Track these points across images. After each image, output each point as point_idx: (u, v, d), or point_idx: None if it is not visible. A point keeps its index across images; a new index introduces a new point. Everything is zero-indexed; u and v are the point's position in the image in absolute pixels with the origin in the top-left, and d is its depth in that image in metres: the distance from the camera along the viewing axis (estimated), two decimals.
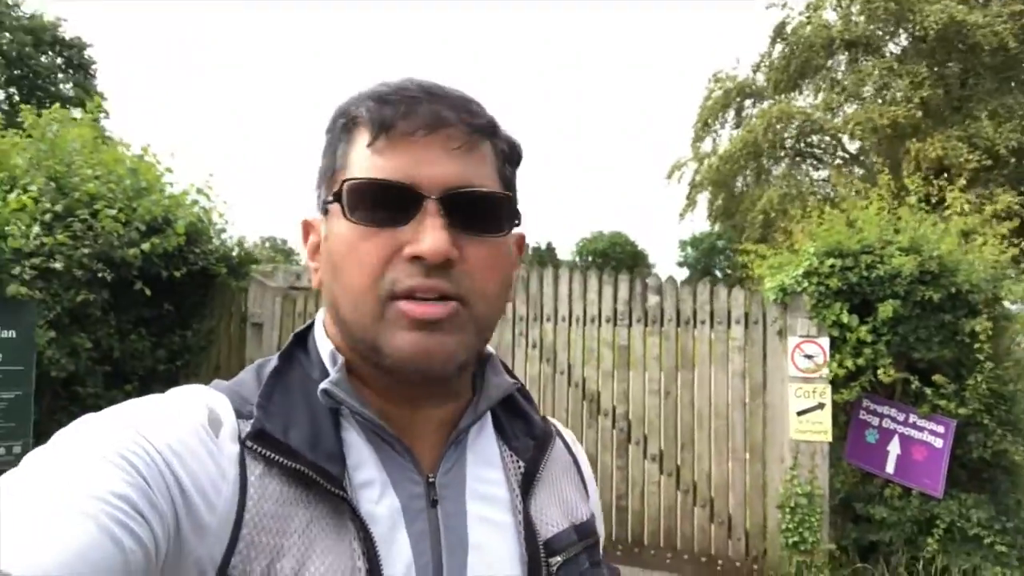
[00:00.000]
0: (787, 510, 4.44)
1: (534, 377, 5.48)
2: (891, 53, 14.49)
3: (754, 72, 16.59)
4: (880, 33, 14.28)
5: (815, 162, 16.71)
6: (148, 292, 4.98)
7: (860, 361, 4.37)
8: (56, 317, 4.60)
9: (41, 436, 4.50)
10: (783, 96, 15.54)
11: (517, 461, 0.78)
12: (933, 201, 5.65)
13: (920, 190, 5.00)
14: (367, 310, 0.66)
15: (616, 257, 49.29)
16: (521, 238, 0.82)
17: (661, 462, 5.15)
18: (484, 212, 0.68)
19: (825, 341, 4.51)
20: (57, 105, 5.68)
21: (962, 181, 6.17)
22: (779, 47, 15.71)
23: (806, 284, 4.55)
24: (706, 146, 17.10)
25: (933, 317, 4.34)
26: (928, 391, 4.30)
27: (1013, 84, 13.54)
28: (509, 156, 0.75)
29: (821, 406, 4.47)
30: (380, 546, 0.63)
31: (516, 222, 0.75)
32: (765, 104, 16.14)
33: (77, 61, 24.95)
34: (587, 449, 5.26)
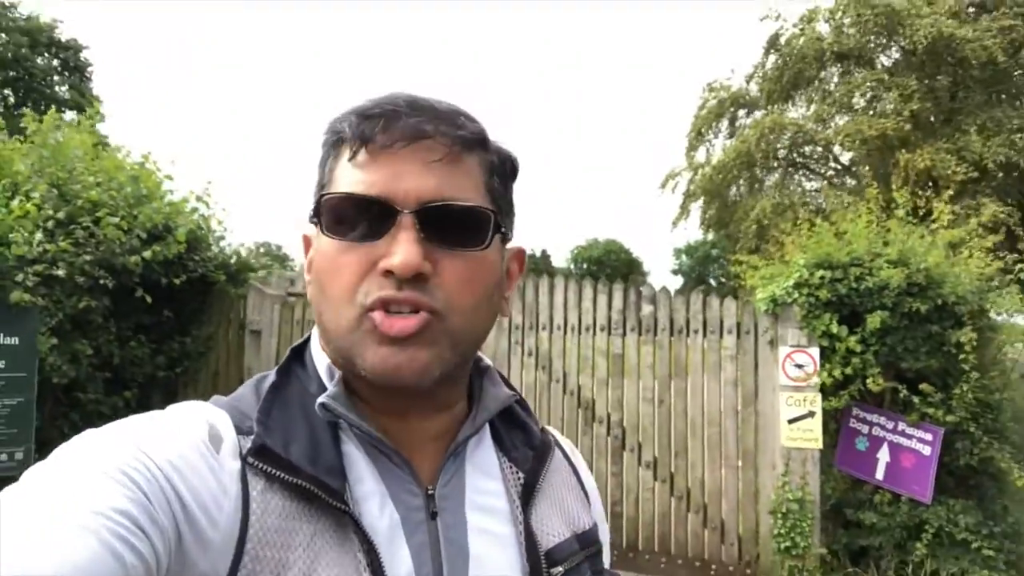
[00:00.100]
0: (779, 516, 4.51)
1: (530, 385, 5.56)
2: (882, 66, 14.66)
3: (747, 82, 16.75)
4: (872, 45, 14.44)
5: (808, 172, 16.86)
6: (148, 299, 5.03)
7: (849, 370, 4.46)
8: (58, 324, 4.64)
9: (42, 443, 4.56)
10: (776, 107, 15.69)
11: (516, 472, 0.78)
12: (921, 213, 5.76)
13: (908, 204, 5.11)
14: (345, 324, 0.66)
15: (611, 264, 49.44)
16: (520, 252, 0.82)
17: (655, 469, 5.22)
18: (461, 226, 0.68)
19: (815, 351, 4.59)
20: (53, 110, 5.73)
21: (949, 192, 6.29)
22: (772, 58, 15.86)
23: (796, 295, 4.63)
24: (700, 155, 17.24)
25: (920, 328, 4.43)
26: (916, 400, 4.39)
27: (1004, 97, 13.71)
28: (500, 169, 0.74)
29: (811, 414, 4.55)
30: (382, 558, 0.64)
31: (507, 236, 0.75)
32: (758, 114, 16.30)
33: (73, 63, 25.01)
34: (582, 456, 5.34)
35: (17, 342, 4.32)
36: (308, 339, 0.77)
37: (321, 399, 0.67)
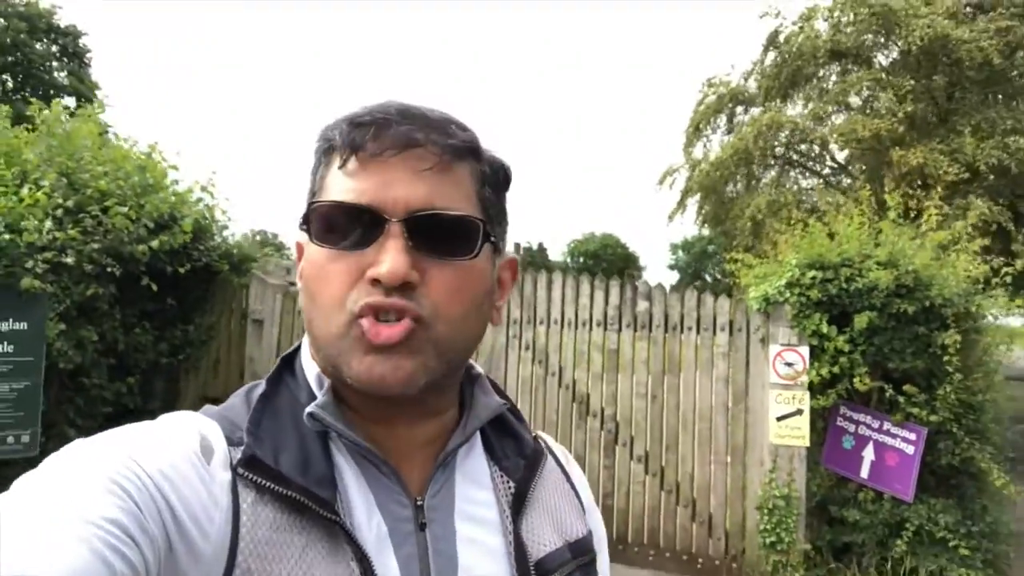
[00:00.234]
0: (765, 511, 4.62)
1: (526, 378, 5.67)
2: (880, 65, 14.72)
3: (745, 79, 16.79)
4: (869, 44, 14.49)
5: (804, 171, 16.93)
6: (155, 288, 5.12)
7: (837, 369, 4.57)
8: (66, 310, 4.73)
9: (47, 426, 4.65)
10: (774, 104, 15.75)
11: (507, 481, 0.78)
12: (912, 214, 5.85)
13: (899, 207, 5.20)
14: (333, 331, 0.66)
15: (607, 259, 49.42)
16: (512, 262, 0.81)
17: (646, 463, 5.35)
18: (451, 235, 0.68)
19: (805, 350, 4.70)
20: (60, 100, 5.80)
21: (939, 190, 6.39)
22: (771, 55, 15.90)
23: (788, 295, 4.73)
24: (697, 152, 17.29)
25: (907, 329, 4.54)
26: (901, 400, 4.50)
27: (1000, 97, 13.77)
28: (492, 178, 0.74)
29: (800, 412, 4.67)
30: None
31: (497, 245, 0.75)
32: (756, 111, 16.35)
33: (72, 49, 24.91)
34: (575, 449, 5.46)
35: (26, 327, 4.41)
36: (298, 348, 0.77)
37: (309, 409, 0.67)
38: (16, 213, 4.48)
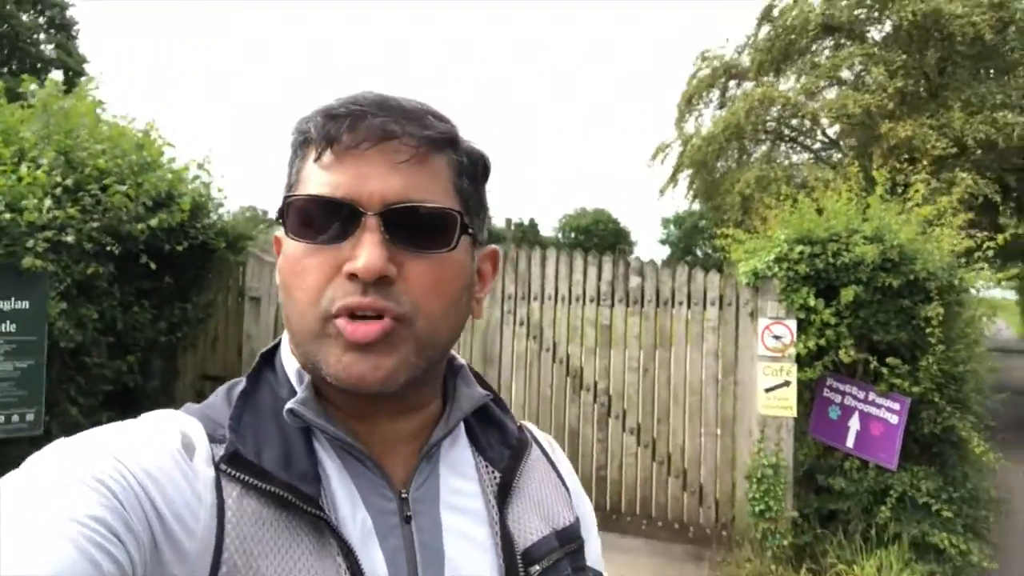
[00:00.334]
0: (754, 480, 4.74)
1: (521, 353, 5.78)
2: (873, 40, 14.70)
3: (739, 54, 16.75)
4: (863, 19, 14.47)
5: (794, 145, 16.97)
6: (153, 266, 5.17)
7: (823, 342, 4.68)
8: (66, 289, 4.77)
9: (49, 405, 4.72)
10: (766, 78, 15.74)
11: (492, 471, 0.78)
12: (900, 188, 5.92)
13: (886, 182, 5.28)
14: (309, 328, 0.66)
15: (598, 234, 49.52)
16: (493, 253, 0.81)
17: (639, 435, 5.48)
18: (428, 228, 0.67)
19: (793, 323, 4.80)
20: (53, 80, 5.79)
21: (925, 164, 6.47)
22: (765, 29, 15.87)
23: (776, 269, 4.81)
24: (689, 126, 17.29)
25: (892, 302, 4.64)
26: (885, 371, 4.61)
27: (993, 72, 13.77)
28: (470, 169, 0.73)
29: (787, 384, 4.78)
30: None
31: (476, 237, 0.74)
32: (748, 85, 16.34)
33: (59, 21, 24.65)
34: (569, 422, 5.58)
35: (28, 306, 4.47)
36: (279, 343, 0.77)
37: (289, 405, 0.67)
38: (16, 192, 4.50)
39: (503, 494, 0.76)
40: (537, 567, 0.73)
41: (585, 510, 0.88)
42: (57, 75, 5.96)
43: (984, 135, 11.45)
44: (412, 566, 0.67)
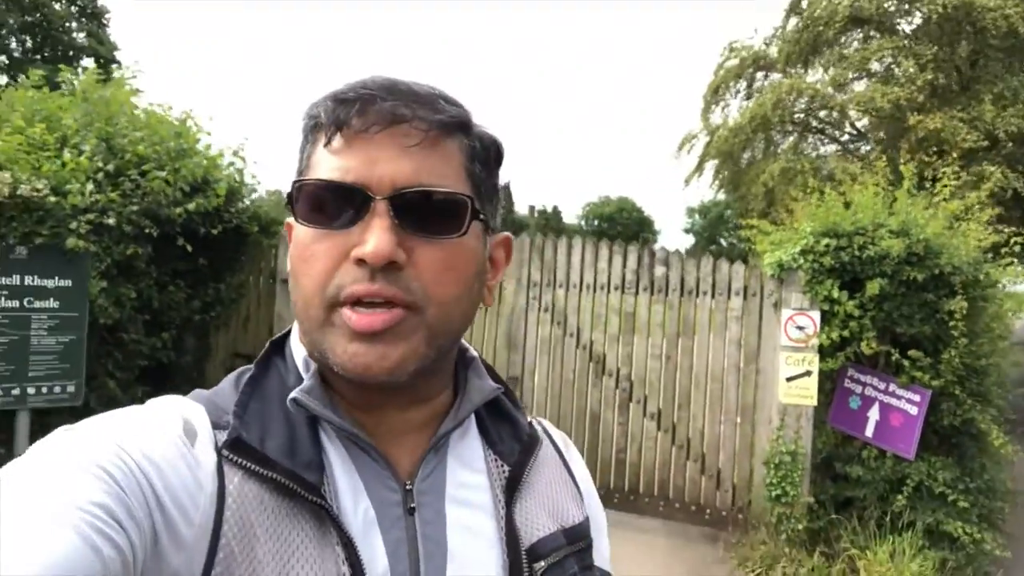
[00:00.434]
0: (772, 466, 4.82)
1: (545, 339, 5.89)
2: (903, 32, 14.55)
3: (767, 45, 16.65)
4: (892, 11, 14.32)
5: (822, 137, 16.86)
6: (189, 248, 5.34)
7: (846, 333, 4.73)
8: (106, 268, 4.95)
9: (89, 379, 4.91)
10: (794, 70, 15.64)
11: (502, 465, 0.77)
12: (928, 182, 5.92)
13: (913, 177, 5.29)
14: (315, 315, 0.65)
15: (622, 222, 49.33)
16: (506, 240, 0.79)
17: (659, 420, 5.57)
18: (438, 213, 0.65)
19: (816, 314, 4.85)
20: (92, 69, 5.98)
21: (955, 156, 6.45)
22: (793, 20, 15.76)
23: (802, 261, 4.85)
24: (716, 117, 17.24)
25: (916, 296, 4.66)
26: (906, 363, 4.65)
27: None
28: (482, 154, 0.72)
29: (808, 373, 4.84)
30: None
31: (488, 223, 0.73)
32: (776, 76, 16.25)
33: (90, 9, 24.97)
34: (591, 406, 5.69)
35: (71, 284, 4.64)
36: (290, 331, 0.76)
37: (293, 394, 0.66)
38: (60, 176, 4.68)
39: (511, 488, 0.75)
40: (542, 563, 0.72)
41: (596, 511, 0.87)
42: (89, 63, 6.13)
43: (1016, 128, 11.34)
44: (414, 558, 0.66)
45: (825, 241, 4.81)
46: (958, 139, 10.93)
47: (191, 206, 5.23)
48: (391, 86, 0.66)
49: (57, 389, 4.69)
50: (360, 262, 0.62)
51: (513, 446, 0.78)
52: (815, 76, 15.83)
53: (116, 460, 0.56)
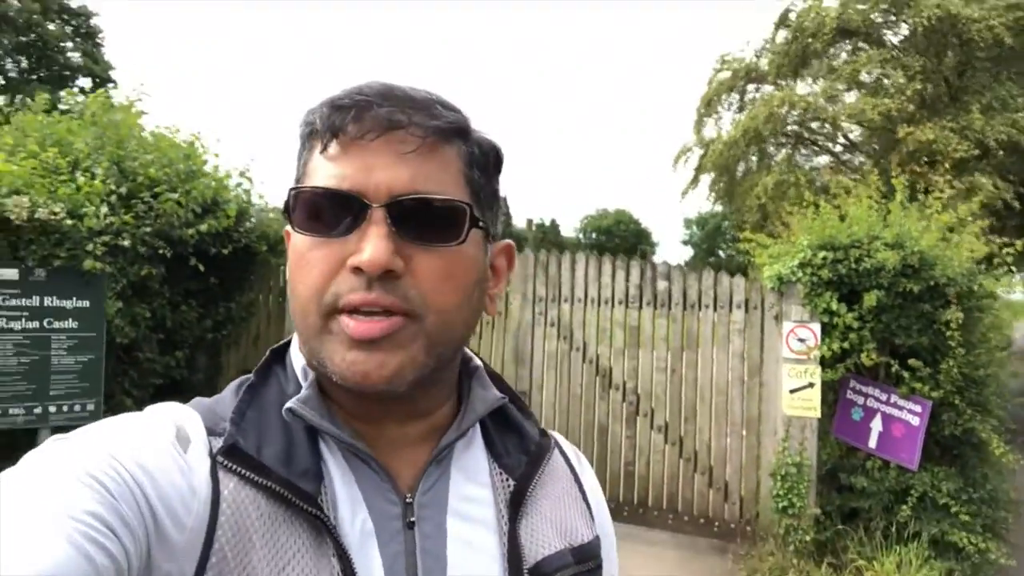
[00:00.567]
0: (778, 478, 4.89)
1: (552, 353, 5.99)
2: (890, 44, 14.71)
3: (757, 57, 16.81)
4: (879, 22, 14.47)
5: (815, 148, 17.00)
6: (202, 268, 5.44)
7: (846, 345, 4.81)
8: (122, 289, 5.05)
9: (107, 397, 4.99)
10: (785, 82, 15.78)
11: (507, 479, 0.74)
12: (920, 193, 6.02)
13: (905, 190, 5.40)
14: (313, 323, 0.64)
15: (620, 235, 49.55)
16: (508, 247, 0.78)
17: (666, 433, 5.66)
18: (436, 220, 0.64)
19: (816, 326, 4.93)
20: (102, 91, 6.09)
21: (946, 167, 6.56)
22: (782, 33, 15.93)
23: (800, 274, 4.94)
24: (709, 130, 17.37)
25: (913, 307, 4.75)
26: (906, 374, 4.74)
27: (1015, 73, 13.67)
28: (481, 160, 0.70)
29: (811, 385, 4.93)
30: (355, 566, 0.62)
31: (488, 230, 0.71)
32: (768, 89, 16.39)
33: (84, 29, 25.09)
34: (599, 420, 5.78)
35: (88, 305, 4.73)
36: (290, 340, 0.75)
37: (289, 404, 0.65)
38: (75, 200, 4.78)
39: (516, 503, 0.73)
40: None
41: (607, 530, 0.84)
42: (85, 83, 6.26)
43: (1006, 136, 11.46)
44: (412, 572, 0.65)
45: (822, 254, 4.90)
46: (949, 149, 11.05)
47: (203, 227, 5.34)
48: (387, 92, 0.65)
49: (77, 407, 4.77)
50: (357, 270, 0.62)
51: (520, 458, 0.77)
52: (805, 88, 15.99)
53: (108, 469, 0.56)
